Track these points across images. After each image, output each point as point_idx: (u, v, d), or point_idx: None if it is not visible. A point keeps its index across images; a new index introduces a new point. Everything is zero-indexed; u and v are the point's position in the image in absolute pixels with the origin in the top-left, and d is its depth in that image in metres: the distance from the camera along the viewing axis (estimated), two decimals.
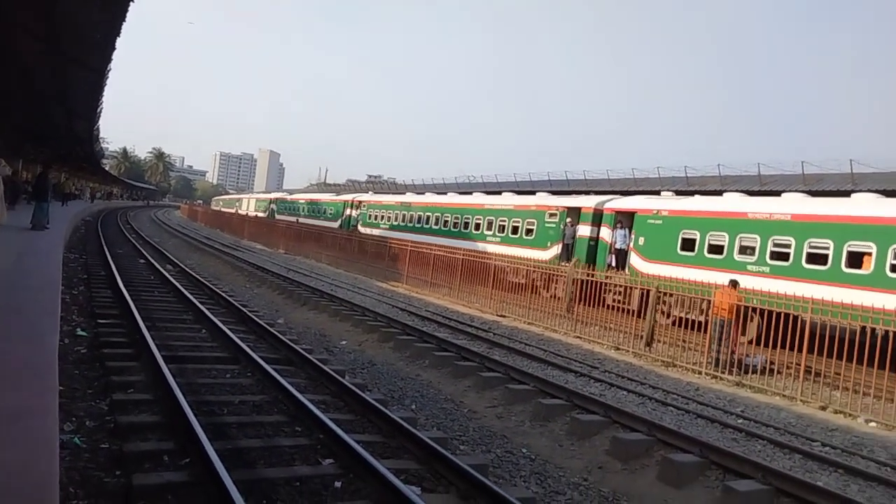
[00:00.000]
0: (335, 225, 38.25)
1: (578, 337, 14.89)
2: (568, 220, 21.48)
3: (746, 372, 12.04)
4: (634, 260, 18.60)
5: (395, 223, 32.74)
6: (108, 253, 20.35)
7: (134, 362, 8.33)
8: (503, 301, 17.95)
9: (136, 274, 17.39)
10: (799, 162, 27.98)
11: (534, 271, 18.76)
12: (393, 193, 44.51)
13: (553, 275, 18.53)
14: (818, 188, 23.09)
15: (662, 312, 15.10)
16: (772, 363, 12.14)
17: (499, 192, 31.82)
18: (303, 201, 50.06)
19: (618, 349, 13.88)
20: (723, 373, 11.98)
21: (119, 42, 11.72)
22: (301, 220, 44.63)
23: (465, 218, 27.21)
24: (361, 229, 35.12)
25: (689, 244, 17.11)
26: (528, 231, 23.36)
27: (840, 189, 23.66)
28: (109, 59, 13.52)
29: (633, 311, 15.56)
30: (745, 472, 6.60)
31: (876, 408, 10.07)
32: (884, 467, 7.49)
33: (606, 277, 15.79)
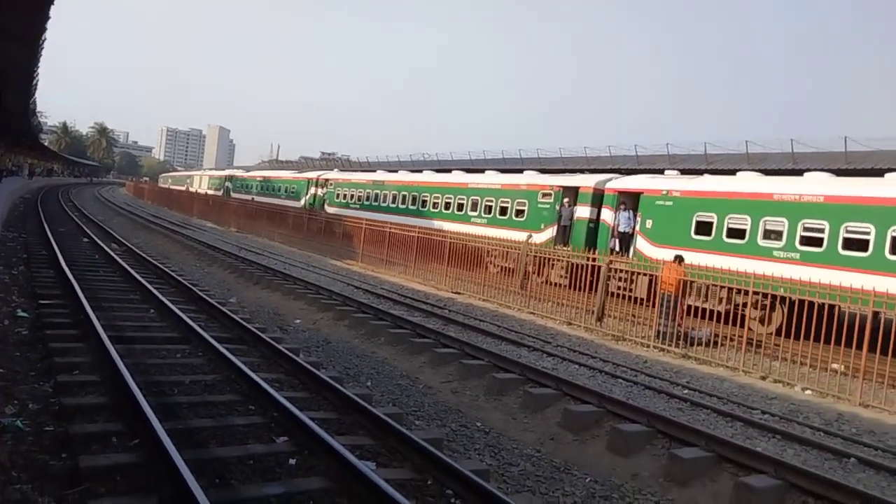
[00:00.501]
0: (298, 204, 36.21)
1: (532, 313, 15.12)
2: (565, 200, 20.14)
3: (692, 344, 12.47)
4: (641, 244, 17.45)
5: (367, 203, 30.72)
6: (49, 231, 19.55)
7: (79, 343, 8.08)
8: (459, 279, 18.05)
9: (79, 253, 16.79)
10: (743, 142, 28.93)
11: (532, 255, 17.50)
12: (362, 171, 42.47)
13: (549, 259, 17.42)
14: (762, 167, 23.80)
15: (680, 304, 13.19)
16: (716, 336, 12.60)
17: (469, 171, 31.13)
18: (260, 179, 47.71)
19: (570, 324, 14.16)
20: (669, 345, 12.37)
21: (55, 11, 11.19)
22: (258, 198, 42.35)
23: (447, 198, 25.46)
24: (329, 209, 33.03)
25: (704, 228, 16.02)
26: (519, 212, 21.87)
27: (782, 168, 24.55)
28: (44, 30, 12.89)
29: (642, 299, 14.79)
30: (689, 440, 6.86)
31: (811, 376, 10.59)
32: (817, 432, 7.91)
33: (609, 263, 14.59)
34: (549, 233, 20.25)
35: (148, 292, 11.79)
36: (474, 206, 24.02)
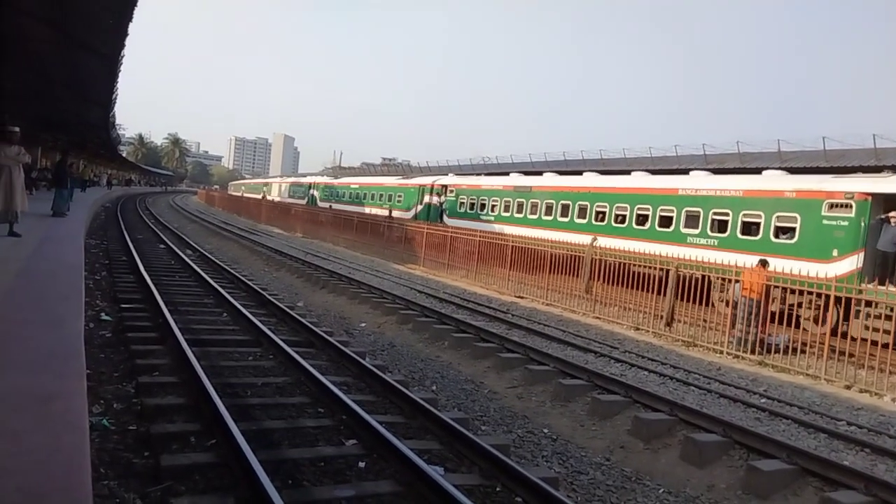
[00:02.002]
0: (407, 215, 31.63)
1: (598, 317, 14.83)
2: (890, 215, 13.29)
3: (769, 351, 11.93)
4: None
5: (509, 215, 24.97)
6: (128, 238, 20.56)
7: (158, 346, 8.42)
8: (521, 282, 17.90)
9: (156, 259, 17.57)
10: (821, 138, 27.62)
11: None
12: (485, 175, 35.15)
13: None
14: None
15: None
16: (795, 342, 12.01)
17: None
18: (355, 186, 41.95)
19: (637, 329, 13.81)
20: (744, 352, 11.88)
21: (132, 28, 11.74)
22: (348, 207, 37.23)
23: (642, 209, 19.03)
24: (449, 221, 27.73)
25: None
26: (783, 232, 15.43)
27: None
28: (122, 46, 13.55)
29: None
30: (768, 452, 6.56)
31: None
32: None
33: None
34: (852, 262, 13.82)
35: (221, 296, 12.21)
36: (693, 221, 17.53)
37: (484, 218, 26.65)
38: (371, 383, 7.71)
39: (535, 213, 23.67)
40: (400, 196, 34.67)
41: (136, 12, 10.65)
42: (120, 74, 17.55)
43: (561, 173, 28.23)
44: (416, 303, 13.87)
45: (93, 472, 4.72)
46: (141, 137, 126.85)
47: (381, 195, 36.99)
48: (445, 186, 30.65)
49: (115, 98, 22.93)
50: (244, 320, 10.35)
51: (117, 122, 42.43)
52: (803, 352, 11.71)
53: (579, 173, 26.14)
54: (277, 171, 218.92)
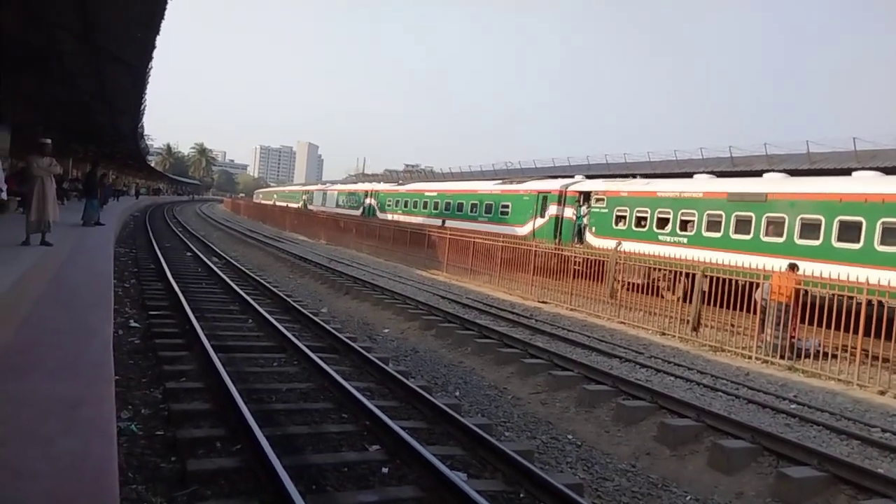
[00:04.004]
0: (521, 231, 24.75)
1: (622, 322, 14.69)
2: None
3: (799, 356, 11.70)
4: None
5: (713, 235, 17.50)
6: (156, 247, 20.92)
7: (185, 352, 8.54)
8: (545, 287, 17.81)
9: (183, 267, 17.84)
10: (851, 139, 27.09)
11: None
12: (613, 177, 26.85)
13: None
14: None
15: None
16: (825, 347, 11.75)
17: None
18: (432, 193, 34.39)
19: (663, 334, 13.64)
20: (773, 357, 11.66)
21: (160, 40, 11.99)
22: (430, 222, 30.65)
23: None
24: (595, 240, 21.13)
25: None
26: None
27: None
28: (150, 58, 13.85)
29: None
30: (799, 459, 6.41)
31: None
32: None
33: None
34: None
35: (246, 303, 12.35)
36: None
37: (667, 237, 18.75)
38: (394, 389, 7.73)
39: (787, 236, 15.67)
40: (506, 207, 27.03)
41: (164, 25, 10.89)
42: (148, 85, 17.95)
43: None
44: (438, 308, 13.88)
45: (120, 477, 4.79)
46: (169, 147, 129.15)
47: (475, 205, 29.31)
48: (586, 193, 22.94)
49: (144, 109, 23.45)
50: (269, 326, 10.45)
51: (145, 132, 43.30)
52: (834, 356, 11.45)
53: (689, 175, 21.76)
54: (302, 178, 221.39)
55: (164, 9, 10.08)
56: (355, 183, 55.10)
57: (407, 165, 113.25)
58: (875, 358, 10.57)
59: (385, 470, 5.46)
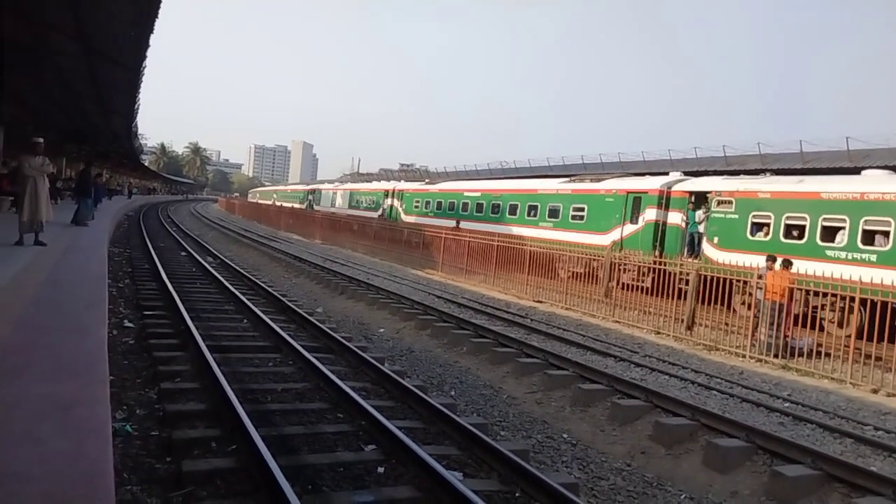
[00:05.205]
0: (600, 241, 20.02)
1: (617, 322, 14.73)
2: None
3: (793, 355, 11.75)
4: None
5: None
6: (150, 246, 20.85)
7: (180, 352, 8.52)
8: (540, 287, 17.84)
9: (178, 266, 17.78)
10: (843, 138, 27.22)
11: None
12: (731, 173, 22.58)
13: None
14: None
15: None
16: (819, 346, 11.81)
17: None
18: (474, 194, 28.97)
19: (658, 333, 13.68)
20: (767, 356, 11.71)
21: (153, 39, 11.95)
22: (471, 226, 25.76)
23: None
24: (723, 255, 16.51)
25: None
26: None
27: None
28: (144, 57, 13.81)
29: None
30: (793, 457, 6.45)
31: None
32: None
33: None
34: None
35: (241, 303, 12.32)
36: None
37: (840, 253, 14.30)
38: (390, 388, 7.73)
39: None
40: (579, 210, 22.16)
41: (158, 24, 10.85)
42: (142, 85, 17.88)
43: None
44: (434, 308, 13.88)
45: (116, 478, 4.78)
46: (163, 147, 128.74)
47: (533, 208, 24.33)
48: (701, 194, 18.33)
49: (138, 108, 23.33)
50: (264, 326, 10.43)
51: (139, 131, 43.15)
52: (828, 355, 11.51)
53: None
54: (297, 177, 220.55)
55: (158, 8, 10.04)
56: (361, 182, 50.21)
57: (402, 165, 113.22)
58: (868, 357, 10.62)
59: (381, 470, 5.46)
